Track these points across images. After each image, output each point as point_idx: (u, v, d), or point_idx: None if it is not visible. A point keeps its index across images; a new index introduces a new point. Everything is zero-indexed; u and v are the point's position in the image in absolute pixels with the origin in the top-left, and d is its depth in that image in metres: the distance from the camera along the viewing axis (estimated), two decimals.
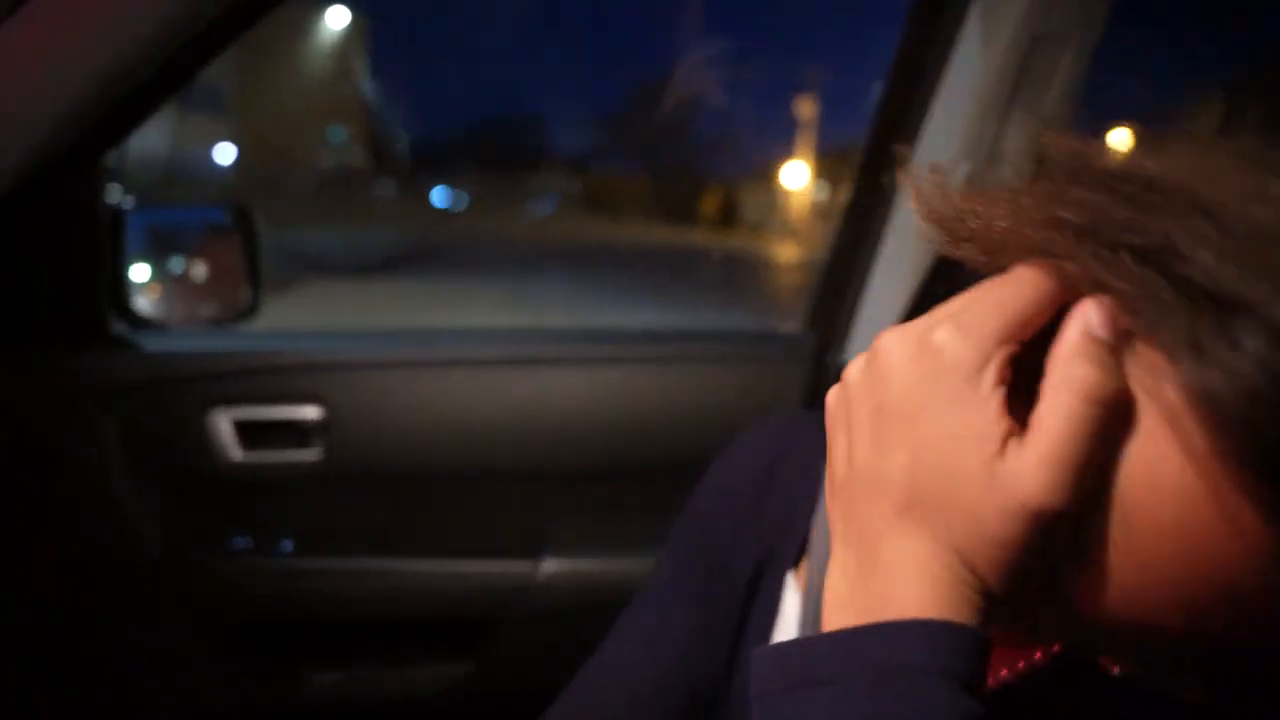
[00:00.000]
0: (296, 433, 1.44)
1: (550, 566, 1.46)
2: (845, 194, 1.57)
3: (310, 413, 1.43)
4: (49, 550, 1.40)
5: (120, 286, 1.46)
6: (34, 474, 1.37)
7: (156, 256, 1.59)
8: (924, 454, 0.44)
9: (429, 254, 12.09)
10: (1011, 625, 0.46)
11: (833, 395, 0.50)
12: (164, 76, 1.17)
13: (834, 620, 0.45)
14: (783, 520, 0.71)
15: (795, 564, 0.69)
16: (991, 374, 0.43)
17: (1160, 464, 0.41)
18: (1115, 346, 0.42)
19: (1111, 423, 0.41)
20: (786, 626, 0.67)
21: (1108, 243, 0.42)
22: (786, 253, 13.19)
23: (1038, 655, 0.55)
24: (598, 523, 1.47)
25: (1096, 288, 0.43)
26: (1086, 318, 0.43)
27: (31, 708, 1.41)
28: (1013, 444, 0.42)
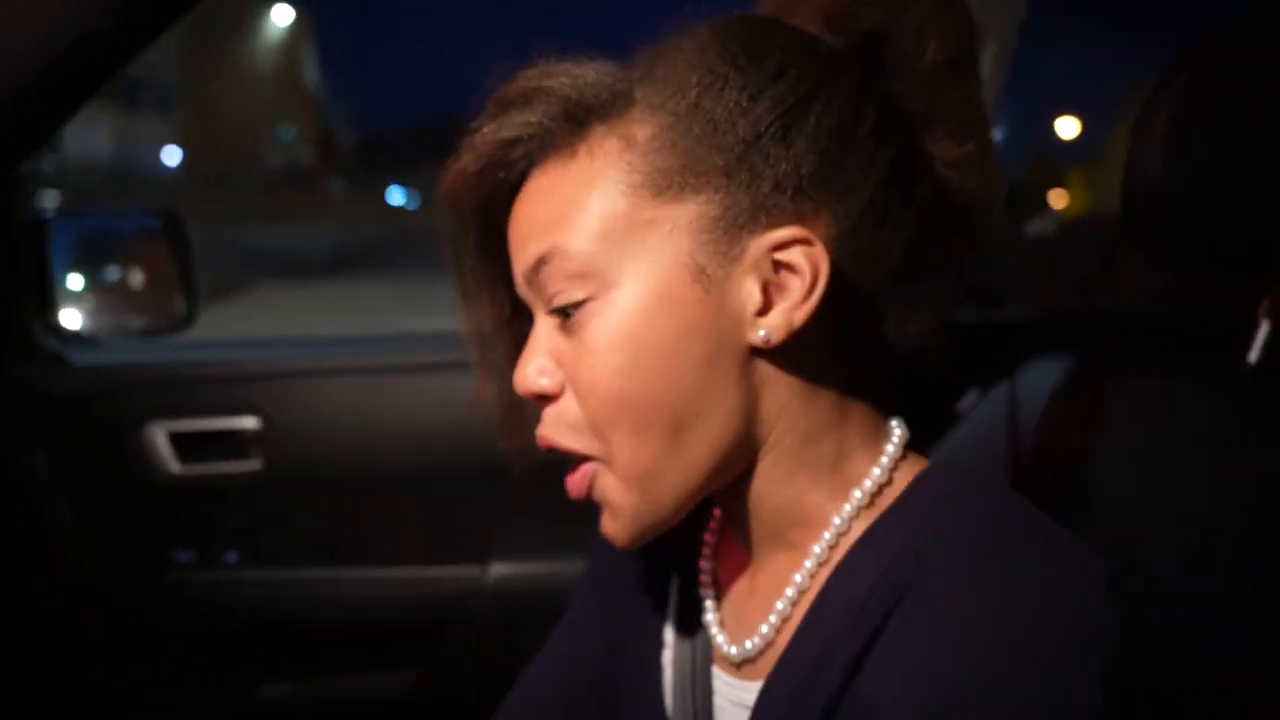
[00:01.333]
0: (235, 443, 1.42)
1: (498, 570, 1.45)
2: None
3: (248, 423, 1.41)
4: None
5: (47, 298, 1.42)
6: None
7: (89, 265, 1.55)
8: None
9: (382, 253, 11.97)
10: None
11: None
12: (82, 73, 1.12)
13: None
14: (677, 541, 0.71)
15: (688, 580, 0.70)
16: None
17: None
18: None
19: None
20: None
21: None
22: None
23: None
24: (544, 526, 1.47)
25: None
26: None
27: None
28: None
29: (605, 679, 0.71)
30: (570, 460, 0.60)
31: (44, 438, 1.36)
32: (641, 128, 0.56)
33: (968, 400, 1.34)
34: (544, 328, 0.59)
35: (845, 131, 0.56)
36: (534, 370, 0.59)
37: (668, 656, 0.68)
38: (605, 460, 0.58)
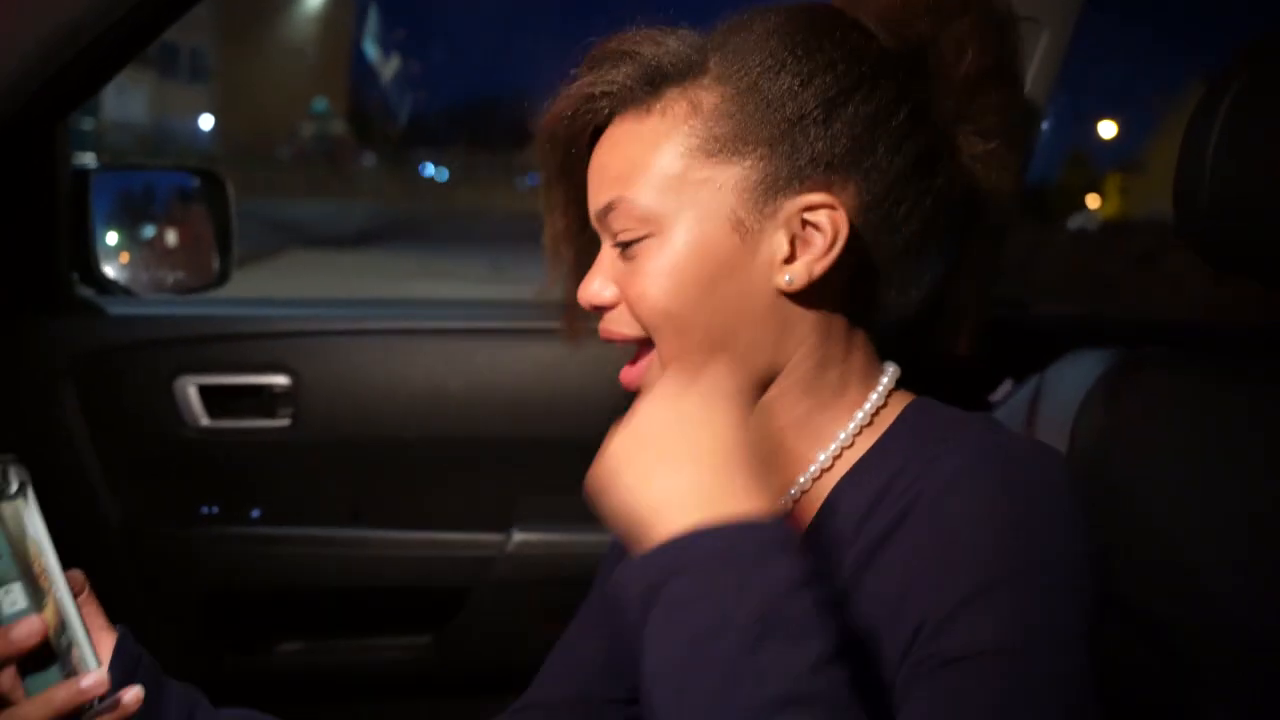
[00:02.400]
0: (264, 400, 1.43)
1: (520, 538, 1.45)
2: None
3: (278, 380, 1.42)
4: None
5: (86, 250, 1.44)
6: None
7: (126, 221, 1.56)
8: None
9: (411, 227, 12.00)
10: None
11: None
12: (125, 34, 1.14)
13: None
14: None
15: None
16: None
17: None
18: None
19: None
20: None
21: None
22: None
23: None
24: (568, 495, 1.47)
25: None
26: None
27: None
28: None
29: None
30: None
31: (78, 387, 1.38)
32: (709, 95, 0.66)
33: (1001, 390, 1.34)
34: (607, 254, 0.71)
35: (878, 122, 0.66)
36: (597, 284, 0.70)
37: None
38: (656, 350, 0.69)
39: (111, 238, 1.51)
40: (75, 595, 0.66)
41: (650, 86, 0.67)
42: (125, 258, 1.53)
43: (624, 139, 0.68)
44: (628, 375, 0.71)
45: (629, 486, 0.58)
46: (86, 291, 1.45)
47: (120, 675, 0.64)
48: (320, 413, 1.43)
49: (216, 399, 1.42)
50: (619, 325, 0.70)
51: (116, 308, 1.44)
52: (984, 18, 0.71)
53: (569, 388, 1.44)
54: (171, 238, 1.60)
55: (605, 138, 0.70)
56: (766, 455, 0.69)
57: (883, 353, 0.73)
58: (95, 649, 0.64)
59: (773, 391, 0.69)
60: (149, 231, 1.60)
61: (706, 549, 0.53)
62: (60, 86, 1.13)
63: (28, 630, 0.58)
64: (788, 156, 0.65)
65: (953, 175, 0.69)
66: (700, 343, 0.66)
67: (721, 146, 0.65)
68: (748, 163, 0.65)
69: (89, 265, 1.44)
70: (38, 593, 0.62)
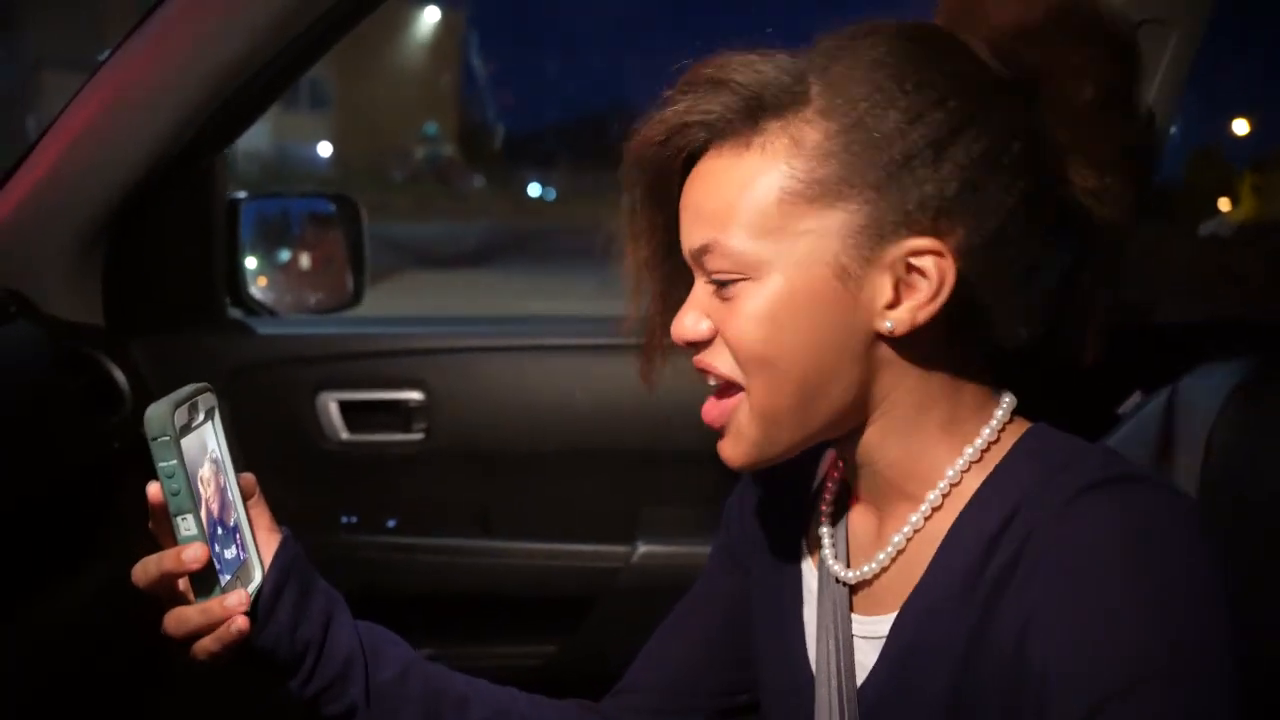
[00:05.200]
0: (400, 415, 1.49)
1: (644, 549, 1.48)
2: None
3: (413, 396, 1.48)
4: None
5: (236, 274, 1.53)
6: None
7: (264, 246, 1.66)
8: None
9: (520, 245, 12.22)
10: None
11: None
12: (274, 76, 1.23)
13: None
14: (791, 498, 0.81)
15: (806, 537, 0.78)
16: None
17: None
18: None
19: None
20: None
21: None
22: None
23: None
24: (693, 508, 1.49)
25: None
26: None
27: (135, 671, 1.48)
28: None
29: (739, 624, 0.82)
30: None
31: (229, 401, 1.46)
32: (811, 131, 0.63)
33: (1130, 403, 1.30)
34: (701, 290, 0.68)
35: (990, 160, 0.62)
36: (690, 320, 0.68)
37: (808, 611, 0.76)
38: (746, 392, 0.67)
39: (251, 262, 1.61)
40: (246, 498, 0.73)
41: (749, 119, 0.64)
42: (263, 281, 1.62)
43: (720, 176, 0.65)
44: (711, 412, 0.69)
45: None
46: (236, 312, 1.54)
47: (277, 575, 0.71)
48: (452, 427, 1.48)
49: (355, 413, 1.49)
50: (716, 361, 0.67)
51: (264, 327, 1.53)
52: (1106, 46, 0.66)
53: (690, 401, 1.46)
54: (307, 260, 1.68)
55: (700, 172, 0.67)
56: (874, 496, 0.71)
57: (1004, 365, 0.70)
58: (260, 550, 0.72)
59: (872, 434, 0.68)
60: (285, 255, 1.70)
61: None
62: (220, 122, 1.22)
63: (193, 555, 0.64)
64: (894, 201, 0.61)
65: (1064, 211, 0.66)
66: (795, 387, 0.65)
67: (824, 190, 0.62)
68: (852, 206, 0.62)
69: (237, 288, 1.54)
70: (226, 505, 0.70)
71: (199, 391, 0.70)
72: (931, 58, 0.63)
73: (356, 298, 1.65)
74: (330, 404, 1.49)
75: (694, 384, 1.57)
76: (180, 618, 0.67)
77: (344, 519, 1.52)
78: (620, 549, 1.48)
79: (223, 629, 0.66)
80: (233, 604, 0.66)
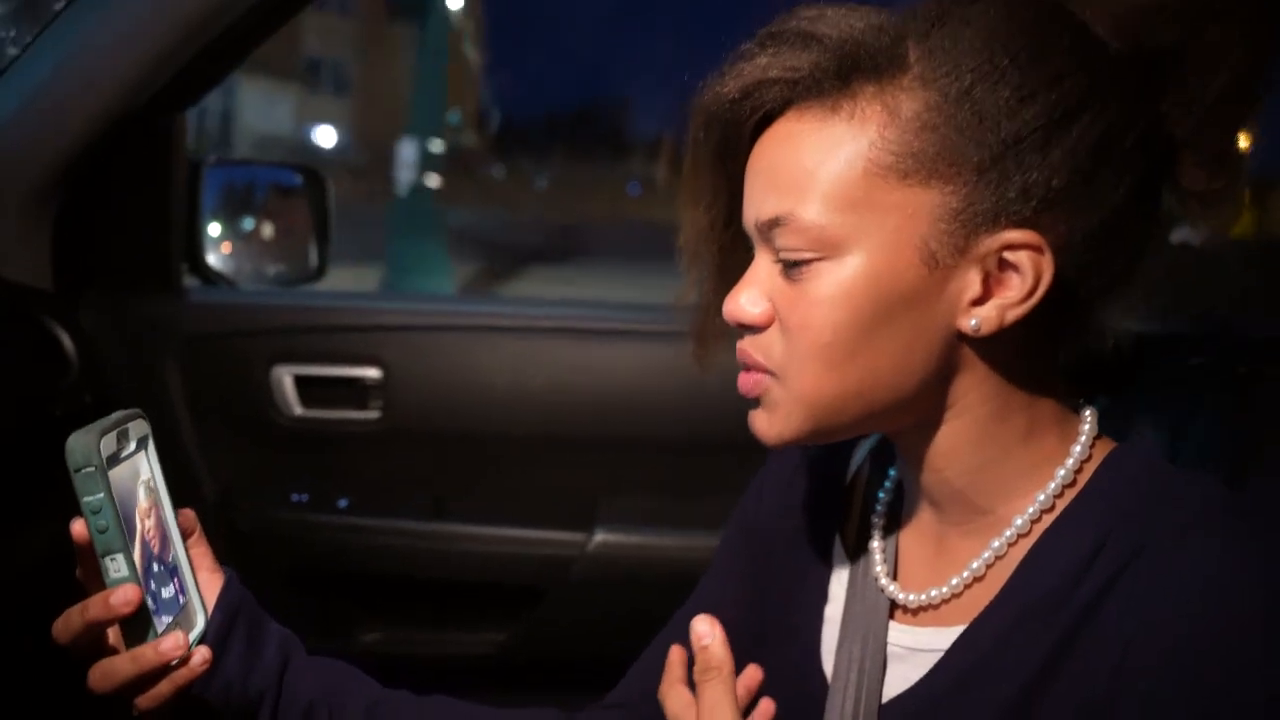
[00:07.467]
0: (356, 392, 1.46)
1: (600, 538, 1.44)
2: None
3: (370, 373, 1.45)
4: None
5: (194, 240, 1.49)
6: (100, 411, 1.41)
7: (229, 214, 1.62)
8: None
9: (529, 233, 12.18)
10: None
11: None
12: (240, 34, 1.19)
13: None
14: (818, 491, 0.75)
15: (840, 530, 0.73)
16: None
17: None
18: None
19: None
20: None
21: None
22: None
23: None
24: (651, 498, 1.45)
25: None
26: None
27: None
28: None
29: (753, 621, 0.74)
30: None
31: (181, 370, 1.43)
32: (910, 100, 0.56)
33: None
34: (764, 266, 0.61)
35: (1102, 149, 0.56)
36: (745, 300, 0.61)
37: (831, 609, 0.70)
38: (783, 378, 0.60)
39: (214, 229, 1.57)
40: (186, 537, 0.67)
41: (840, 80, 0.57)
42: (227, 248, 1.59)
43: (802, 140, 0.58)
44: (745, 383, 0.62)
45: None
46: (192, 280, 1.51)
47: (222, 618, 0.65)
48: (409, 406, 1.45)
49: (310, 388, 1.45)
50: (759, 353, 0.61)
51: (220, 296, 1.49)
52: (1252, 22, 0.58)
53: (652, 388, 1.42)
54: (271, 230, 1.65)
55: (776, 134, 0.59)
56: (937, 505, 0.65)
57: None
58: (201, 592, 0.66)
59: (943, 439, 0.61)
60: (250, 223, 1.66)
61: None
62: (181, 82, 1.18)
63: (123, 598, 0.58)
64: (995, 186, 0.55)
65: (1170, 210, 0.61)
66: (853, 384, 0.58)
67: (919, 166, 0.56)
68: (949, 188, 0.55)
69: (196, 254, 1.50)
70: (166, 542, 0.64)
71: (129, 418, 0.63)
72: (1051, 33, 0.56)
73: (320, 271, 1.61)
74: (285, 378, 1.45)
75: (652, 371, 1.54)
76: (106, 670, 0.60)
77: (294, 497, 1.48)
78: (577, 536, 1.44)
79: (181, 669, 0.60)
80: (167, 648, 0.60)
